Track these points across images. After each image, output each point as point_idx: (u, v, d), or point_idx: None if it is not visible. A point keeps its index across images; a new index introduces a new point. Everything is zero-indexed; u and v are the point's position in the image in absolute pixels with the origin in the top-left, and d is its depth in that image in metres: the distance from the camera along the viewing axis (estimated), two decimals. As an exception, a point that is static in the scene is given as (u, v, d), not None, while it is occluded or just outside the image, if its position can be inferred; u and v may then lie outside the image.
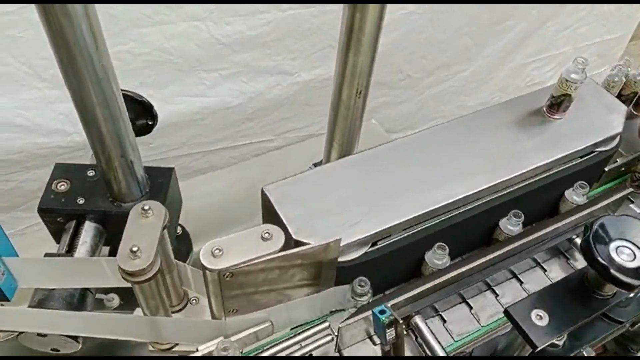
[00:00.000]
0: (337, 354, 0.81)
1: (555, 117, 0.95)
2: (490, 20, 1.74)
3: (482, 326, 0.84)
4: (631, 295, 0.75)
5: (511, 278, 0.91)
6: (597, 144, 0.93)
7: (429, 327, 0.81)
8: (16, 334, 0.81)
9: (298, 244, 0.75)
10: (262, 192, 0.81)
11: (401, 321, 0.71)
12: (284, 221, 0.77)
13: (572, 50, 1.98)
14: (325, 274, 0.77)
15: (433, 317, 0.87)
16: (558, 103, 0.93)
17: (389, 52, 1.66)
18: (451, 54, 1.76)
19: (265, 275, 0.72)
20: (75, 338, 0.83)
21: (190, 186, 1.29)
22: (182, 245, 1.12)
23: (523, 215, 0.89)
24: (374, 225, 0.78)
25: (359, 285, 0.78)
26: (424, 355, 0.81)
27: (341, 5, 0.85)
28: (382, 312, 0.70)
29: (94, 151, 0.87)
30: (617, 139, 0.96)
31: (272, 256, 0.69)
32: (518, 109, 0.97)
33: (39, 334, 0.81)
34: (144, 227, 0.70)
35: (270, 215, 0.80)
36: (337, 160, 0.88)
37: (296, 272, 0.74)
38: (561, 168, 0.93)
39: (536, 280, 0.91)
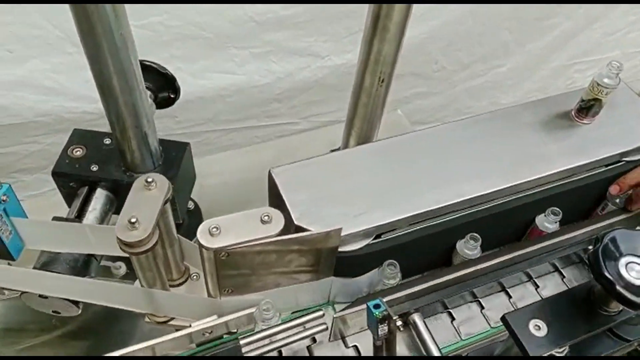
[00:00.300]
0: (333, 342, 0.80)
1: (584, 121, 0.91)
2: (533, 16, 1.68)
3: (491, 327, 0.82)
4: (642, 313, 0.72)
5: (527, 281, 0.88)
6: (624, 154, 0.89)
7: (426, 326, 0.79)
8: (19, 293, 0.83)
9: (299, 229, 0.74)
10: (269, 174, 0.80)
11: (395, 317, 0.69)
12: (288, 205, 0.76)
13: (621, 55, 1.90)
14: (324, 262, 0.76)
15: (441, 312, 0.85)
16: (587, 107, 0.89)
17: (424, 41, 1.63)
18: (489, 48, 1.71)
19: (262, 258, 0.71)
20: (75, 303, 0.84)
21: (208, 163, 1.29)
22: (193, 220, 1.12)
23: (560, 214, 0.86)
24: (378, 217, 0.77)
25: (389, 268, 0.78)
26: (421, 354, 0.80)
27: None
28: (377, 306, 0.69)
29: (109, 120, 0.88)
30: (648, 149, 0.91)
31: (270, 240, 0.68)
32: (545, 110, 0.94)
33: (40, 296, 0.82)
34: (146, 199, 0.70)
35: (275, 198, 0.79)
36: (350, 148, 0.86)
37: (294, 258, 0.73)
38: (585, 175, 0.89)
39: (553, 286, 0.88)
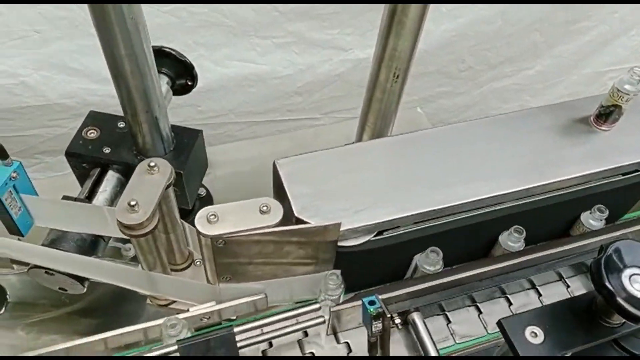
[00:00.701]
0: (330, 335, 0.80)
1: (602, 128, 0.88)
2: (565, 19, 1.64)
3: (488, 333, 0.80)
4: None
5: (529, 289, 0.86)
6: (642, 163, 0.86)
7: (426, 326, 0.78)
8: (26, 269, 0.84)
9: (299, 222, 0.74)
10: (274, 165, 0.79)
11: (395, 315, 0.69)
12: (289, 197, 0.76)
13: (661, 65, 1.84)
14: (323, 256, 0.76)
15: (438, 315, 0.84)
16: (607, 114, 0.86)
17: (452, 40, 1.60)
18: (518, 49, 1.68)
19: (259, 248, 0.71)
20: (81, 281, 0.86)
21: (222, 152, 1.30)
22: (204, 207, 1.12)
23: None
24: (380, 214, 0.76)
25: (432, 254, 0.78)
26: (419, 354, 0.79)
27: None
28: (372, 302, 0.68)
29: (121, 103, 0.89)
30: (669, 159, 0.88)
31: (267, 230, 0.68)
32: (564, 114, 0.91)
33: (47, 272, 0.83)
34: (148, 183, 0.71)
35: (278, 189, 0.79)
36: (357, 143, 0.85)
37: (293, 250, 0.73)
38: (599, 183, 0.86)
39: (557, 296, 0.86)
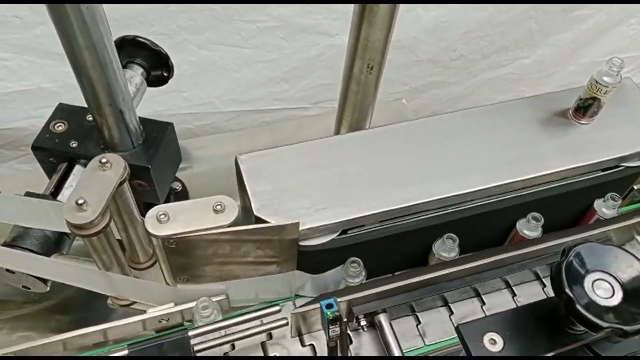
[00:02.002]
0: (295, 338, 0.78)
1: (581, 122, 0.84)
2: (562, 6, 1.58)
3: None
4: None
5: (504, 288, 0.83)
6: (622, 159, 0.83)
7: (392, 327, 0.76)
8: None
9: (258, 220, 0.71)
10: (235, 161, 0.77)
11: (361, 316, 0.66)
12: (249, 195, 0.73)
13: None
14: (285, 255, 0.73)
15: (408, 315, 0.81)
16: (585, 107, 0.83)
17: (442, 26, 1.56)
18: (512, 38, 1.63)
19: (215, 249, 0.68)
20: (44, 280, 0.84)
21: (200, 145, 1.27)
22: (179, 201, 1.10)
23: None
24: (342, 213, 0.73)
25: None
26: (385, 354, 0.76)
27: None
28: (329, 306, 0.66)
29: (85, 97, 0.86)
30: (651, 155, 0.85)
31: (219, 230, 0.65)
32: (543, 107, 0.88)
33: (7, 270, 0.82)
34: (99, 179, 0.68)
35: (241, 186, 0.77)
36: (324, 138, 0.82)
37: (251, 250, 0.71)
38: (578, 180, 0.83)
39: (532, 296, 0.82)
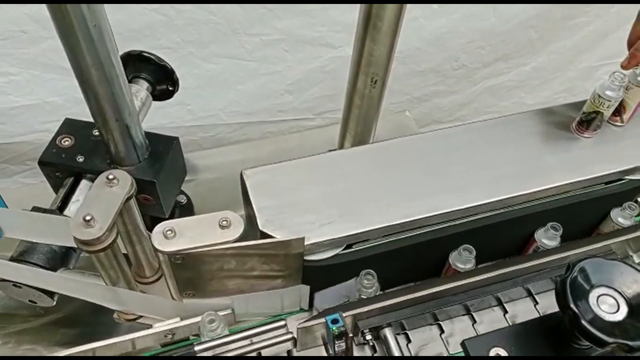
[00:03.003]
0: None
1: (584, 135, 0.85)
2: (562, 15, 1.59)
3: (450, 354, 0.78)
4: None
5: (495, 306, 0.83)
6: (625, 172, 0.83)
7: (397, 341, 0.76)
8: (-6, 282, 0.83)
9: (263, 235, 0.72)
10: (241, 176, 0.77)
11: (351, 334, 0.67)
12: (255, 210, 0.74)
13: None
14: (290, 270, 0.74)
15: (399, 334, 0.81)
16: (588, 120, 0.83)
17: (444, 36, 1.57)
18: (513, 46, 1.63)
19: (221, 264, 0.69)
20: (50, 295, 0.84)
21: (204, 157, 1.28)
22: (184, 215, 1.10)
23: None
24: (347, 227, 0.73)
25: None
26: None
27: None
28: (335, 321, 0.66)
29: (91, 112, 0.87)
30: (655, 168, 0.85)
31: (225, 245, 0.66)
32: (546, 121, 0.88)
33: (14, 285, 0.82)
34: (106, 196, 0.69)
35: (246, 201, 0.77)
36: (328, 152, 0.82)
37: (257, 265, 0.71)
38: (581, 192, 0.83)
39: (526, 312, 0.83)
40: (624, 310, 0.57)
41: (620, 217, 0.86)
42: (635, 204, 0.85)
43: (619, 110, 0.84)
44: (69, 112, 1.43)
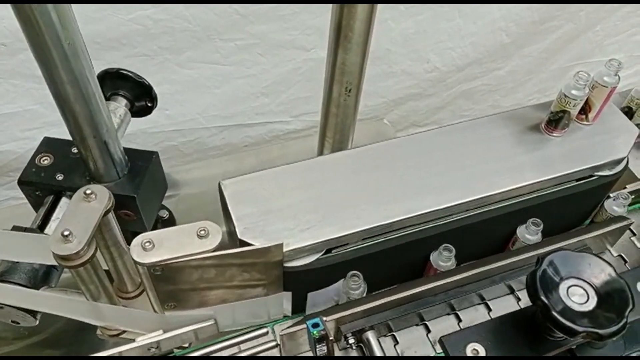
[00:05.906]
0: None
1: (553, 134, 0.87)
2: (532, 19, 1.63)
3: (436, 353, 0.79)
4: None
5: (479, 304, 0.85)
6: (596, 168, 0.85)
7: (380, 344, 0.77)
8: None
9: (243, 243, 0.73)
10: (219, 186, 0.78)
11: (332, 337, 0.68)
12: (233, 219, 0.75)
13: (625, 58, 1.83)
14: (270, 277, 0.74)
15: (385, 336, 0.82)
16: (556, 120, 0.85)
17: (412, 37, 1.59)
18: (484, 50, 1.67)
19: (200, 274, 0.70)
20: (33, 314, 0.84)
21: (186, 172, 1.29)
22: (166, 228, 1.11)
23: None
24: (326, 232, 0.74)
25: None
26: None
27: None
28: (315, 325, 0.67)
29: (69, 130, 0.87)
30: (623, 164, 0.87)
31: (204, 255, 0.67)
32: (516, 122, 0.90)
33: (-4, 305, 0.82)
34: (84, 211, 0.69)
35: (224, 210, 0.78)
36: (305, 160, 0.84)
37: (237, 273, 0.72)
38: (553, 190, 0.85)
39: (509, 309, 0.84)
40: (593, 300, 0.59)
41: (614, 206, 0.90)
42: (628, 194, 0.89)
43: (584, 109, 0.87)
44: (50, 120, 1.44)
